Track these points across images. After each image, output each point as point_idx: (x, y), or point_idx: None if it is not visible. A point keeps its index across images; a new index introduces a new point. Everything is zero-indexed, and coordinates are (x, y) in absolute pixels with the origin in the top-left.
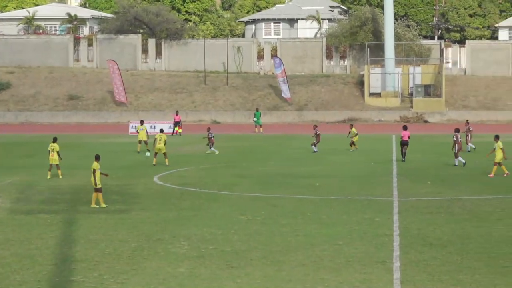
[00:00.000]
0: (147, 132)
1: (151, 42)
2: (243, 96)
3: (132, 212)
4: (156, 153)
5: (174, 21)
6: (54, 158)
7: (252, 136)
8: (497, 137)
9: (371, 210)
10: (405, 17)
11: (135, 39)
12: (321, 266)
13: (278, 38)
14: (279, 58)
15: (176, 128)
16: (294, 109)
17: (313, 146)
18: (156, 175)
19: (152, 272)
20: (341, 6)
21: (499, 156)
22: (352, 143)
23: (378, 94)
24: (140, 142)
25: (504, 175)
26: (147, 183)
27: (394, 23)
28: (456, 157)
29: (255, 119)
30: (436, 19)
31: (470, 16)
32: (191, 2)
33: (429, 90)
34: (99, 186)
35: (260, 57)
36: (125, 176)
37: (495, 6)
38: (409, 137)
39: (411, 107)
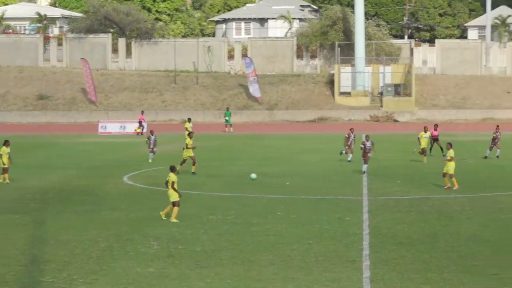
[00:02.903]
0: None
1: (121, 42)
2: (214, 95)
3: (101, 212)
4: (184, 160)
5: (145, 21)
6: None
7: (223, 136)
8: (450, 145)
9: (341, 209)
10: (375, 17)
11: (105, 38)
12: (291, 265)
13: (248, 38)
14: (249, 58)
15: (136, 128)
16: (264, 109)
17: (344, 153)
18: (126, 175)
19: (121, 272)
20: (312, 5)
21: (453, 165)
22: (422, 152)
23: (348, 94)
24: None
25: (445, 187)
26: (116, 183)
27: (365, 22)
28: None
29: (226, 118)
30: (406, 18)
31: (440, 15)
32: (162, 2)
33: (399, 89)
34: (176, 199)
35: (231, 56)
36: (94, 176)
37: (464, 6)
38: (438, 135)
39: (381, 106)
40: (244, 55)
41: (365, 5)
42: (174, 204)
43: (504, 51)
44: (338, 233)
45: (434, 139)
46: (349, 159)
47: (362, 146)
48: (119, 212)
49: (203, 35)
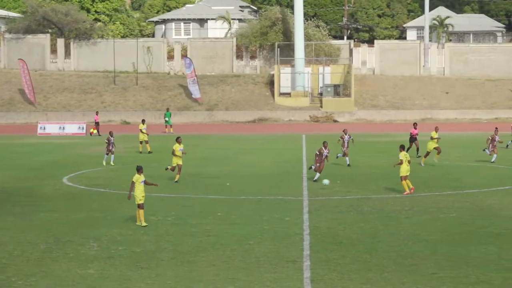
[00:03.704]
0: (141, 131)
1: (60, 42)
2: (153, 96)
3: (41, 213)
4: (174, 167)
5: (84, 21)
6: None
7: (163, 137)
8: (402, 147)
9: (281, 209)
10: (314, 17)
11: (44, 39)
12: (231, 266)
13: (188, 38)
14: (189, 58)
15: (92, 129)
16: (204, 109)
17: (341, 156)
18: (66, 176)
19: (61, 274)
20: (251, 6)
21: (404, 168)
22: (436, 151)
23: (288, 94)
24: (141, 142)
25: (405, 193)
26: (56, 184)
27: (304, 23)
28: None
29: (166, 118)
30: (345, 19)
31: (379, 16)
32: (101, 2)
33: (339, 90)
34: (139, 202)
35: (170, 57)
36: (34, 177)
37: (403, 7)
38: (417, 134)
39: (321, 106)
40: (184, 56)
41: (304, 6)
42: (138, 206)
43: (442, 52)
44: (278, 234)
45: (413, 139)
46: (347, 162)
47: (318, 153)
48: (59, 213)
49: (143, 36)
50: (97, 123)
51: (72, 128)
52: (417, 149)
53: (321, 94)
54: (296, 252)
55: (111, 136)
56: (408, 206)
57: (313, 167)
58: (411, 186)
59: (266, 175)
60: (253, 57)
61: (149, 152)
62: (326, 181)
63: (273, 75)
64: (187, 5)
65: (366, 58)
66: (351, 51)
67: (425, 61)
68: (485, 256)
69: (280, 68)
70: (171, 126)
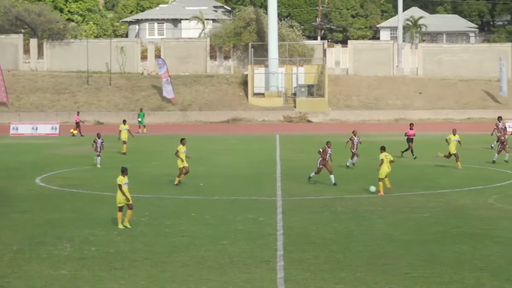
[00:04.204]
0: (129, 131)
1: (33, 42)
2: (127, 96)
3: (13, 214)
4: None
5: (57, 21)
6: None
7: (136, 137)
8: (383, 149)
9: (255, 210)
10: (288, 18)
11: (17, 39)
12: (205, 266)
13: (161, 38)
14: (162, 59)
15: (72, 130)
16: (178, 109)
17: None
18: (39, 176)
19: (34, 275)
20: (225, 6)
21: (384, 170)
22: (452, 156)
23: (261, 94)
24: (124, 142)
25: (379, 195)
26: (29, 185)
27: (278, 23)
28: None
29: (140, 119)
30: (319, 19)
31: (353, 16)
32: (74, 2)
33: (312, 90)
34: (120, 205)
35: (144, 57)
36: (6, 177)
37: (376, 7)
38: (414, 135)
39: (295, 107)
40: (158, 56)
41: (278, 6)
42: (128, 207)
43: (415, 52)
44: (252, 234)
45: (409, 139)
46: (355, 160)
47: (321, 150)
48: (32, 214)
49: (116, 36)
50: (77, 123)
51: (45, 128)
52: (407, 149)
53: (294, 94)
54: (269, 252)
55: (98, 138)
56: (382, 206)
57: (311, 175)
58: (388, 185)
59: (240, 176)
60: (226, 57)
61: (123, 153)
62: (373, 188)
63: (246, 75)
64: (160, 5)
65: (340, 58)
66: (324, 51)
67: (398, 62)
68: (459, 256)
69: (254, 68)
70: (144, 126)
